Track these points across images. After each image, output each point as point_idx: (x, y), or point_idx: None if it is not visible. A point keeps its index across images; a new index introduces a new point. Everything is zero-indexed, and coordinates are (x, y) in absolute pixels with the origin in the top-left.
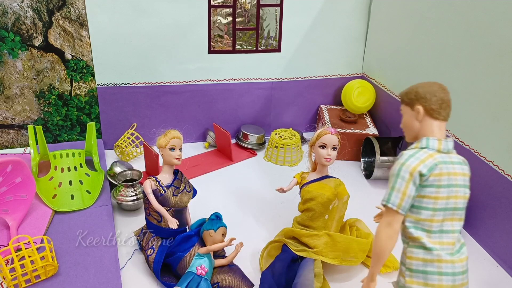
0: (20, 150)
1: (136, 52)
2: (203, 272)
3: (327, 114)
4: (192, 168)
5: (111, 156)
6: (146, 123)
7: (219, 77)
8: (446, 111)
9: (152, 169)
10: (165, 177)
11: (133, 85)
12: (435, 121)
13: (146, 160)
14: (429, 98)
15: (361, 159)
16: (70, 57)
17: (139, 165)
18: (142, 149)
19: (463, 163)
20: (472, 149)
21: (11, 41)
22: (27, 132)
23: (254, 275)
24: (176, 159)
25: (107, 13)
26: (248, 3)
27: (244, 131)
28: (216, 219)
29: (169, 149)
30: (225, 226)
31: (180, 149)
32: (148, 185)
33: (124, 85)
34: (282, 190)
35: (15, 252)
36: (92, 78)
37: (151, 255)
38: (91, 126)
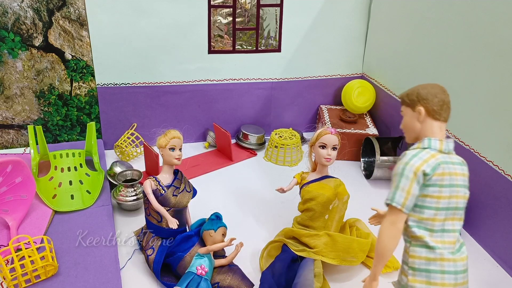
0: (20, 150)
1: (136, 52)
2: (203, 272)
3: (327, 114)
4: (192, 168)
5: (111, 156)
6: (146, 123)
7: (219, 77)
8: (447, 112)
9: (152, 169)
10: (165, 177)
11: (133, 85)
12: (436, 122)
13: (146, 160)
14: (431, 99)
15: (361, 159)
16: (70, 57)
17: (139, 165)
18: (142, 149)
19: (462, 163)
20: (472, 149)
21: (11, 41)
22: (27, 132)
23: (254, 275)
24: (176, 159)
25: (107, 13)
26: (248, 3)
27: (244, 131)
28: (216, 219)
29: (169, 149)
30: (225, 226)
31: (180, 149)
32: (148, 185)
33: (124, 85)
34: (282, 190)
35: (15, 252)
36: (92, 78)
37: (151, 255)
38: (91, 126)
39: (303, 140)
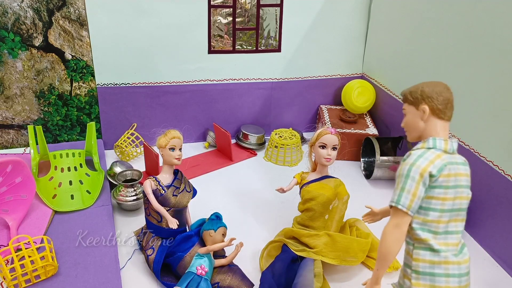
0: (20, 150)
1: (136, 52)
2: (203, 272)
3: (327, 114)
4: (192, 168)
5: (111, 156)
6: (146, 123)
7: (219, 77)
8: (451, 111)
9: (152, 169)
10: (165, 177)
11: (133, 85)
12: (440, 121)
13: (146, 160)
14: (436, 97)
15: (361, 159)
16: (70, 57)
17: (139, 165)
18: (142, 149)
19: (465, 163)
20: (472, 149)
21: (11, 41)
22: (27, 132)
23: (254, 275)
24: (176, 159)
25: (107, 13)
26: (248, 3)
27: (244, 131)
28: (216, 219)
29: (169, 149)
30: (225, 226)
31: (180, 149)
32: (148, 185)
33: (124, 85)
34: (282, 190)
35: (15, 252)
36: (92, 78)
37: (151, 255)
38: (91, 126)
39: (303, 140)
